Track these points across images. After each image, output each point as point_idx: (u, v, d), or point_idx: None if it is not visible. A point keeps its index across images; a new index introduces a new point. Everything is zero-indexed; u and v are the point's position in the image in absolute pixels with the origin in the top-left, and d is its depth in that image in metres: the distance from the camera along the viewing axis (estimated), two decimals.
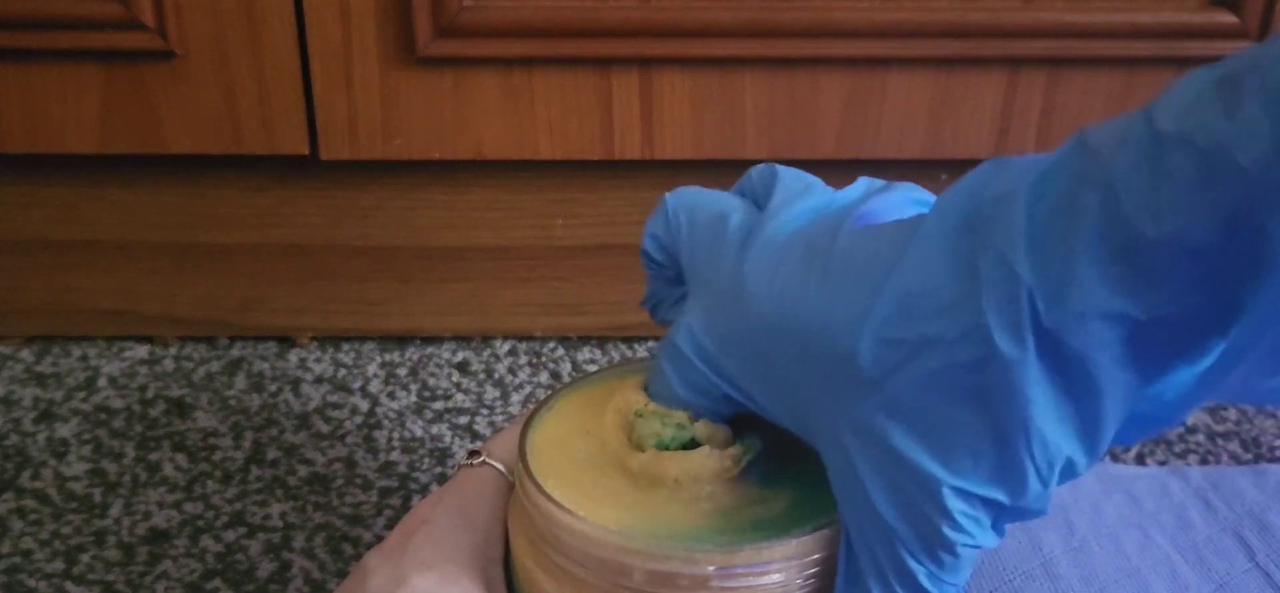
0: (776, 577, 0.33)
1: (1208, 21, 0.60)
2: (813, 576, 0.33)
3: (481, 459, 0.39)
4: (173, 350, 0.71)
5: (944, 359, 0.28)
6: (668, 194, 0.37)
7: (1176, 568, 0.50)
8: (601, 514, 0.34)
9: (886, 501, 0.29)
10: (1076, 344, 0.26)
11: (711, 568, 0.32)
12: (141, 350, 0.71)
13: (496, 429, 0.63)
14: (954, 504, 0.28)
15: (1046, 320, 0.26)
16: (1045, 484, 0.28)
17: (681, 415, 0.36)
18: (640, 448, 0.36)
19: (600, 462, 0.36)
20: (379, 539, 0.54)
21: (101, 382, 0.67)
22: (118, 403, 0.65)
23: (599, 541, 0.33)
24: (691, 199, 0.36)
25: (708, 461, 0.35)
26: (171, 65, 0.62)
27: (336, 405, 0.65)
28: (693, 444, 0.36)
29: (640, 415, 0.36)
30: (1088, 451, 0.28)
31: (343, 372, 0.69)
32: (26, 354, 0.70)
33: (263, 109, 0.63)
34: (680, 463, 0.35)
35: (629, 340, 0.72)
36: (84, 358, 0.70)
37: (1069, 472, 0.29)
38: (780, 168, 0.36)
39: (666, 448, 0.36)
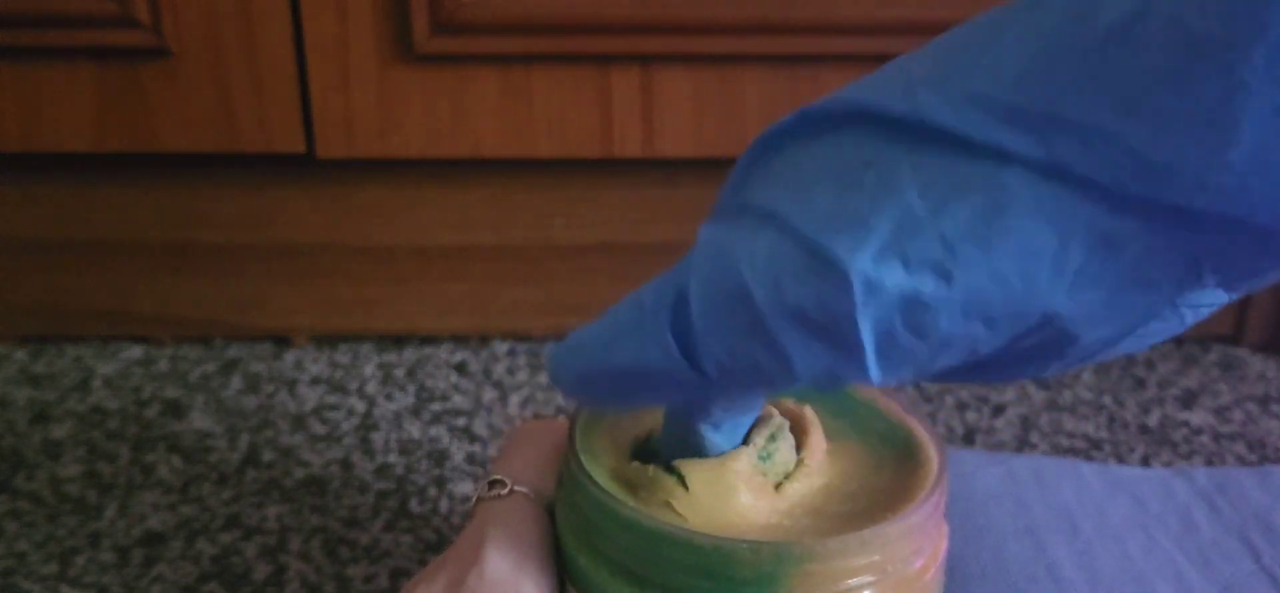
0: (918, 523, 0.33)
1: None
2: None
3: (509, 489, 0.37)
4: (168, 351, 0.70)
5: None
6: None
7: (1182, 570, 0.49)
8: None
9: None
10: None
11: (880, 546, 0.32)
12: (136, 351, 0.70)
13: (495, 432, 0.63)
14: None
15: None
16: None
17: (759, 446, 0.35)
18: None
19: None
20: (376, 542, 0.54)
21: (96, 383, 0.67)
22: (112, 404, 0.65)
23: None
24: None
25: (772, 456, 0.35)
26: (167, 63, 0.62)
27: (333, 407, 0.65)
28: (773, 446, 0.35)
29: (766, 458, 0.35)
30: None
31: (339, 373, 0.68)
32: (21, 355, 0.70)
33: (258, 107, 0.63)
34: (726, 468, 0.34)
35: None
36: (78, 359, 0.69)
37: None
38: None
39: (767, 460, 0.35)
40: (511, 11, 0.60)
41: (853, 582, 0.32)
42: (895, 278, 0.26)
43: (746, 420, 0.35)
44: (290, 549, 0.54)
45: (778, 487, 0.34)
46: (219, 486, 0.58)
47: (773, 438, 0.35)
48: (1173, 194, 0.23)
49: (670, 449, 0.35)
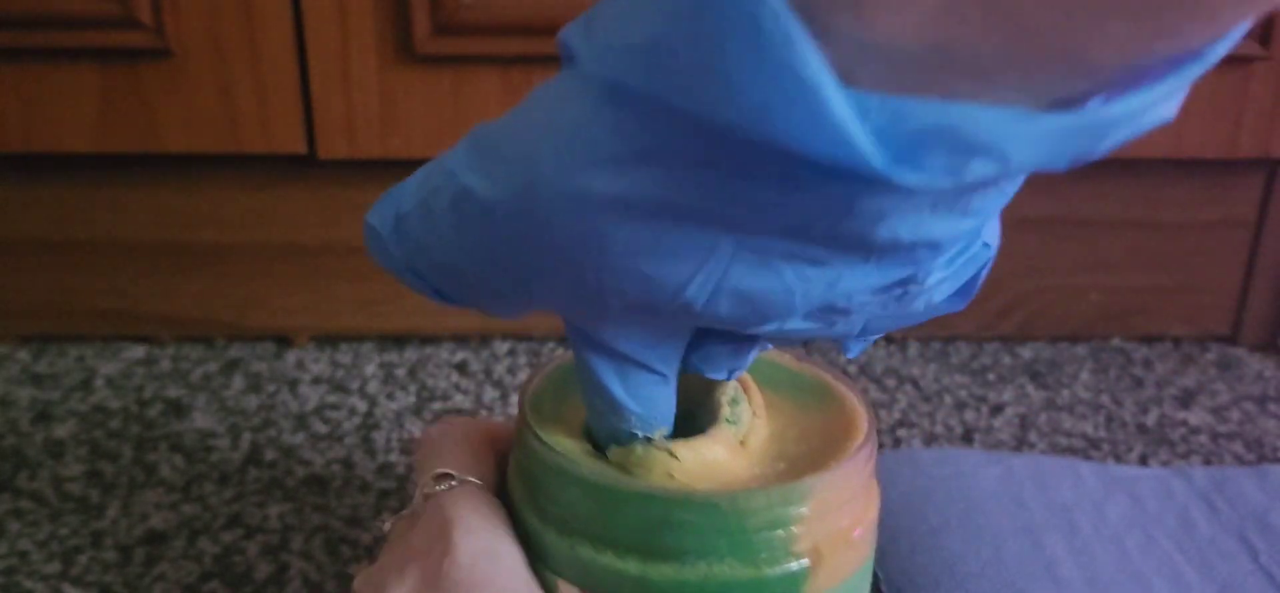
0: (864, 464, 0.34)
1: None
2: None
3: (458, 480, 0.36)
4: (170, 351, 0.70)
5: None
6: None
7: (1180, 570, 0.49)
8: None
9: None
10: None
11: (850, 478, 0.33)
12: (138, 351, 0.70)
13: None
14: None
15: None
16: None
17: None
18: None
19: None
20: (377, 543, 0.54)
21: (98, 382, 0.67)
22: (114, 404, 0.65)
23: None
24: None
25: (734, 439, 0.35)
26: (168, 64, 0.62)
27: (334, 406, 0.65)
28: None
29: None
30: None
31: (341, 372, 0.68)
32: (23, 354, 0.70)
33: (260, 108, 0.63)
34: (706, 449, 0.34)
35: None
36: (81, 358, 0.69)
37: None
38: None
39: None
40: (512, 12, 0.60)
41: (845, 520, 0.33)
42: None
43: (661, 391, 0.33)
44: (292, 548, 0.54)
45: (742, 443, 0.35)
46: (221, 485, 0.58)
47: (734, 401, 0.35)
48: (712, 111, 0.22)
49: (602, 436, 0.34)
